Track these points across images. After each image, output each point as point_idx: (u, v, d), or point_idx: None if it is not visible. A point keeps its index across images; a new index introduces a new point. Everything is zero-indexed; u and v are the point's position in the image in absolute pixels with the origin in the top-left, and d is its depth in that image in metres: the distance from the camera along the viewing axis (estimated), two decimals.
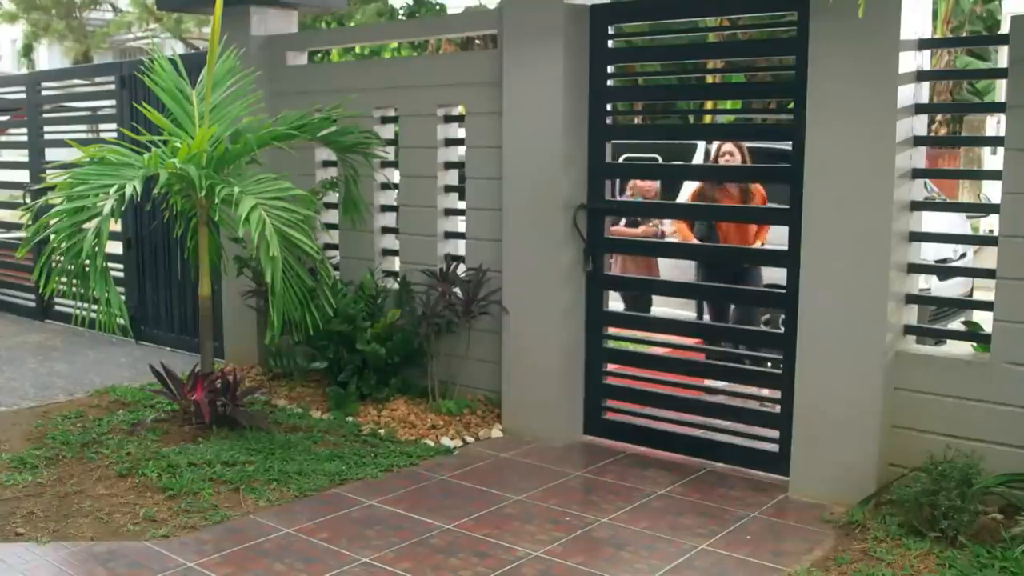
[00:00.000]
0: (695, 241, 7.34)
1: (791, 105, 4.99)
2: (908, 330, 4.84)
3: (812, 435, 4.89)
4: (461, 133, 6.52)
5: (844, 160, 4.67)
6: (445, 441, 5.81)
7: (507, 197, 5.95)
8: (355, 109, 6.51)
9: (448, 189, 6.58)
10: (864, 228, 4.64)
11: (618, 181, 6.82)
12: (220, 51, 6.02)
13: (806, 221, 4.84)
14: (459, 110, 6.57)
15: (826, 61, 4.68)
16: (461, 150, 6.55)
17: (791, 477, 5.01)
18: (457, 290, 6.18)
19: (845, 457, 4.78)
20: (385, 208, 6.95)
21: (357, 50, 16.61)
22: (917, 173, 4.80)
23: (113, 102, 8.87)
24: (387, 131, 6.88)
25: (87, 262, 5.18)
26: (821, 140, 4.75)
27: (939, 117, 17.94)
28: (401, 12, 19.73)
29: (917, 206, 4.82)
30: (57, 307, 9.51)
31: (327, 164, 7.16)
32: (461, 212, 6.53)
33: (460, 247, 6.55)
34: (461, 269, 6.35)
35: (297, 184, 5.90)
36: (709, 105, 7.69)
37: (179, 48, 20.37)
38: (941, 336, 5.31)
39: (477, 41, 17.18)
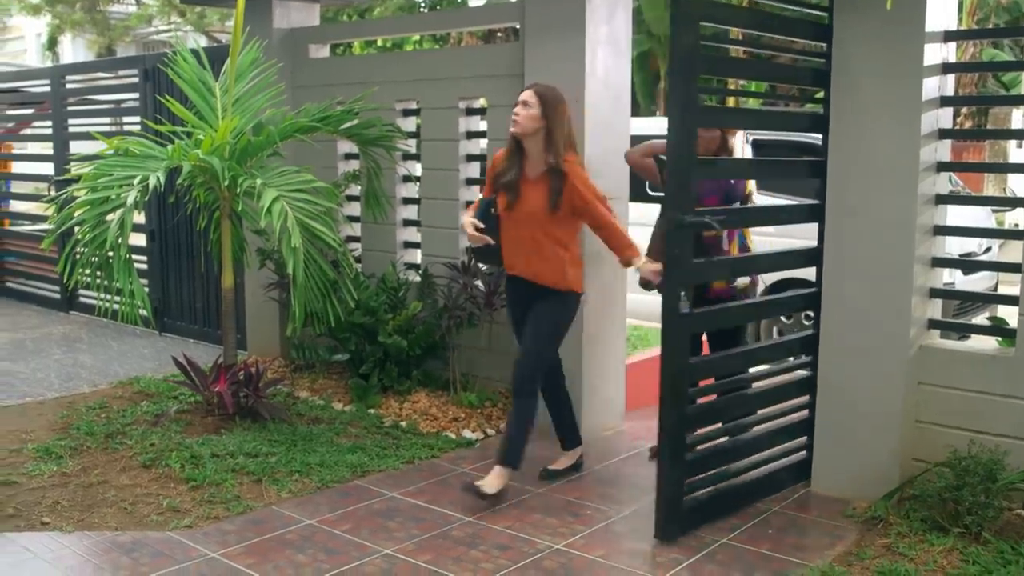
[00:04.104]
0: None
1: (820, 95, 4.92)
2: (932, 324, 4.80)
3: (835, 429, 4.87)
4: (483, 126, 6.51)
5: (868, 153, 4.64)
6: (466, 434, 5.81)
7: None
8: (377, 102, 6.52)
9: (470, 182, 6.58)
10: (888, 221, 4.61)
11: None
12: (243, 44, 6.03)
13: (829, 215, 4.81)
14: (481, 103, 6.57)
15: (851, 53, 4.64)
16: (483, 143, 6.55)
17: (813, 471, 4.98)
18: (479, 283, 6.18)
19: (868, 452, 4.76)
20: (407, 201, 6.96)
21: (379, 43, 16.67)
22: (942, 166, 4.75)
23: (137, 95, 8.92)
24: (409, 124, 6.89)
25: (111, 253, 5.21)
26: (845, 133, 4.71)
27: (964, 110, 17.82)
28: (423, 5, 19.73)
29: (942, 199, 4.78)
30: (81, 299, 9.58)
31: (349, 157, 7.18)
32: None
33: None
34: None
35: (319, 176, 5.91)
36: (732, 92, 7.61)
37: (202, 41, 20.46)
38: (965, 331, 5.27)
39: (499, 34, 17.16)
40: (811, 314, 5.07)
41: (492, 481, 4.77)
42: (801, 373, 5.08)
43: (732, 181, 5.14)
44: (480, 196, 6.55)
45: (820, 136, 4.87)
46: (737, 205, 5.12)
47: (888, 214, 4.61)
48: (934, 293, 4.80)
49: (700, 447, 4.58)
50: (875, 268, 4.67)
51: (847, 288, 4.77)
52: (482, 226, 4.91)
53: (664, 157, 5.14)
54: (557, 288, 4.88)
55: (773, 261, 5.34)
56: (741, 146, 8.23)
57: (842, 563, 4.07)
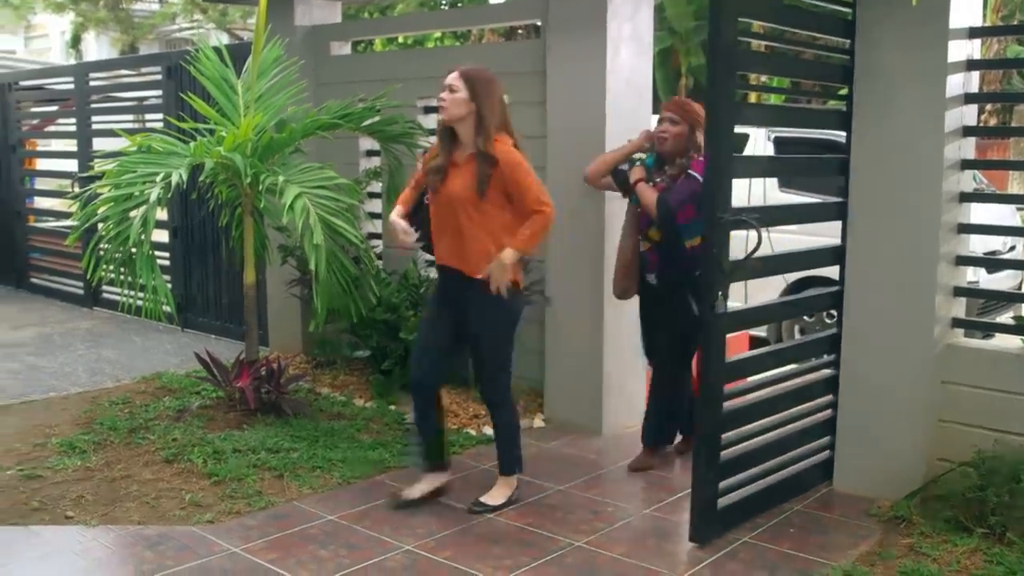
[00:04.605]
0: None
1: (843, 92, 4.89)
2: (956, 323, 4.77)
3: (858, 429, 4.84)
4: None
5: (892, 150, 4.61)
6: (487, 430, 5.81)
7: (550, 187, 5.91)
8: (399, 99, 6.52)
9: None
10: (912, 220, 4.58)
11: None
12: (265, 41, 6.05)
13: (852, 213, 4.78)
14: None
15: (875, 49, 4.61)
16: None
17: (836, 470, 4.96)
18: None
19: (891, 451, 4.73)
20: None
21: (400, 40, 16.67)
22: (966, 164, 4.72)
23: (160, 92, 8.98)
24: (430, 121, 6.89)
25: (134, 250, 5.24)
26: (869, 130, 4.68)
27: (989, 107, 17.67)
28: (444, 2, 19.74)
29: (966, 197, 4.75)
30: (105, 294, 9.65)
31: (371, 153, 7.19)
32: None
33: None
34: None
35: (341, 173, 5.92)
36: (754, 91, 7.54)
37: (224, 39, 20.52)
38: (990, 329, 5.23)
39: (520, 31, 17.14)
40: (833, 313, 5.04)
41: (498, 493, 4.73)
42: (825, 372, 5.05)
43: (700, 181, 4.87)
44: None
45: (843, 133, 4.85)
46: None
47: (912, 212, 4.58)
48: (958, 292, 4.77)
49: (734, 448, 4.54)
50: (899, 266, 4.64)
51: (871, 286, 4.74)
52: (411, 231, 4.68)
53: (624, 168, 5.15)
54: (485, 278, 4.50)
55: (796, 260, 5.32)
56: (763, 144, 8.24)
57: (865, 563, 4.05)
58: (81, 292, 10.14)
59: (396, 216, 4.73)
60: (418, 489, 4.75)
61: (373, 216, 7.18)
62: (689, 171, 4.92)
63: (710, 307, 4.20)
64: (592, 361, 5.79)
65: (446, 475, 4.86)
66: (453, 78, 4.50)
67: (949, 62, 4.45)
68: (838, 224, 4.90)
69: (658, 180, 5.08)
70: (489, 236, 4.46)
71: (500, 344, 4.61)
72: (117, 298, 5.63)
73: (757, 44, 7.46)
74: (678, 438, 5.50)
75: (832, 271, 5.05)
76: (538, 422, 6.01)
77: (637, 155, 5.25)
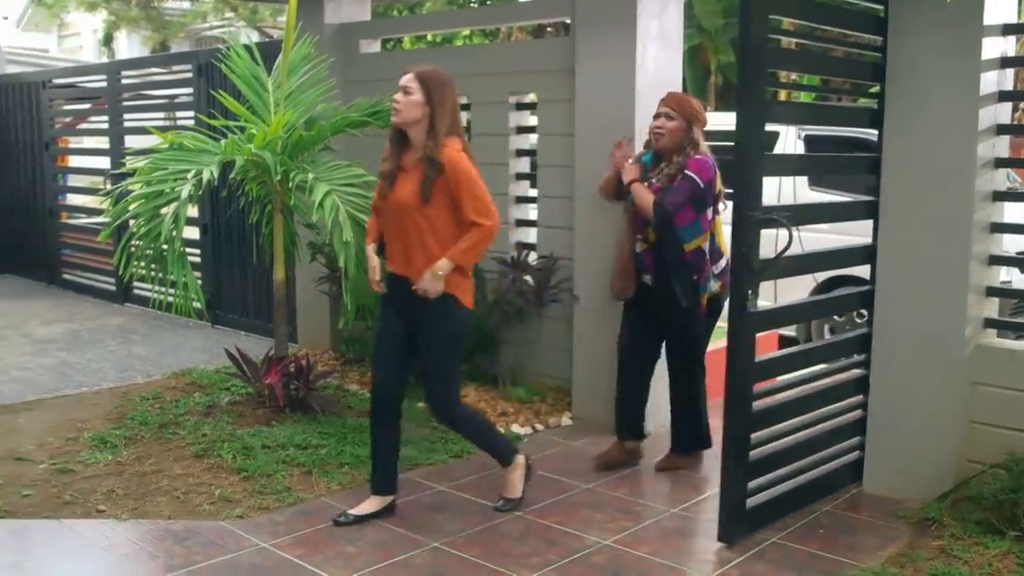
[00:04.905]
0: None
1: (875, 90, 4.85)
2: (988, 323, 4.72)
3: (888, 429, 4.81)
4: (533, 121, 6.51)
5: (924, 149, 4.57)
6: (515, 428, 5.82)
7: (579, 185, 5.94)
8: None
9: (519, 177, 6.58)
10: (944, 219, 4.54)
11: None
12: (295, 39, 6.08)
13: (883, 212, 4.75)
14: (531, 98, 6.56)
15: (907, 46, 4.58)
16: (533, 138, 6.54)
17: (865, 471, 4.92)
18: (528, 278, 6.18)
19: (921, 452, 4.69)
20: None
21: (429, 38, 16.69)
22: (999, 162, 4.67)
23: (190, 90, 9.03)
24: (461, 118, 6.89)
25: (165, 246, 5.28)
26: (900, 128, 4.65)
27: (1023, 105, 17.46)
28: (472, 0, 19.74)
29: (999, 196, 4.70)
30: (136, 291, 9.72)
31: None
32: (532, 200, 6.53)
33: (531, 235, 6.55)
34: (532, 257, 6.35)
35: (370, 171, 5.92)
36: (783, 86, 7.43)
37: (254, 37, 20.62)
38: (1022, 330, 5.17)
39: (549, 28, 17.12)
40: (864, 312, 5.00)
41: (511, 486, 4.66)
42: (855, 372, 5.02)
43: (702, 184, 4.81)
44: (529, 191, 6.57)
45: (875, 131, 4.82)
46: (709, 211, 4.92)
47: (944, 211, 4.54)
48: (990, 292, 4.72)
49: (763, 448, 4.51)
50: (930, 266, 4.60)
51: (901, 286, 4.70)
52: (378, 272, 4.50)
53: (621, 176, 5.06)
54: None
55: (827, 259, 5.29)
56: (793, 142, 8.18)
57: (894, 564, 4.02)
58: (112, 288, 10.23)
59: (371, 251, 4.55)
60: (364, 508, 4.54)
61: None
62: (686, 171, 4.81)
63: (740, 306, 4.17)
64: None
65: (391, 496, 4.61)
66: (408, 79, 4.32)
67: (983, 59, 4.41)
68: (867, 223, 4.87)
69: (654, 180, 4.96)
70: (439, 244, 4.27)
71: (445, 354, 4.41)
72: (148, 294, 5.69)
73: (787, 41, 7.42)
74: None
75: (863, 270, 5.02)
76: (566, 420, 6.01)
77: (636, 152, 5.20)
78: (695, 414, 5.27)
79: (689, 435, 5.30)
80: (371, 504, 4.55)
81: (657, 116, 4.97)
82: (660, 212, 4.81)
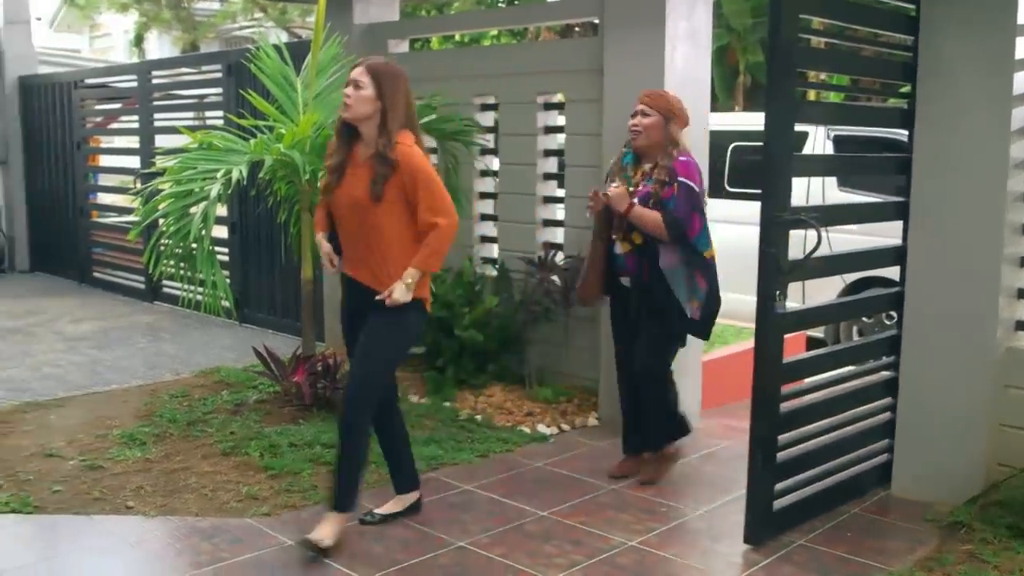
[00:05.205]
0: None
1: (905, 89, 4.81)
2: (1020, 326, 4.67)
3: (917, 432, 4.77)
4: (561, 120, 6.50)
5: (956, 149, 4.52)
6: (541, 428, 5.82)
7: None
8: (455, 96, 6.55)
9: (547, 177, 6.58)
10: (976, 220, 4.50)
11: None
12: (324, 39, 6.10)
13: (914, 213, 4.71)
14: (559, 98, 6.56)
15: (938, 45, 4.54)
16: (561, 138, 6.54)
17: (894, 474, 4.88)
18: (555, 278, 6.18)
19: (950, 455, 4.65)
20: (484, 195, 6.99)
21: (457, 38, 16.71)
22: None
23: (220, 90, 9.09)
24: (487, 118, 6.91)
25: (194, 245, 5.32)
26: (931, 128, 4.61)
27: None
28: (501, 0, 19.75)
29: None
30: (165, 289, 9.79)
31: (428, 151, 7.20)
32: (560, 200, 6.52)
33: (559, 235, 6.54)
34: (559, 257, 6.34)
35: None
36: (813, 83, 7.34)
37: (283, 37, 20.72)
38: None
39: (576, 28, 17.10)
40: (892, 314, 4.97)
41: (326, 530, 4.10)
42: (883, 374, 4.98)
43: (697, 188, 4.72)
44: (556, 191, 6.56)
45: (905, 131, 4.78)
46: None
47: (976, 212, 4.50)
48: (1022, 294, 4.67)
49: (790, 450, 4.48)
50: (961, 267, 4.56)
51: (932, 288, 4.66)
52: (334, 256, 4.29)
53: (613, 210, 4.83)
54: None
55: (856, 260, 5.26)
56: (823, 142, 8.13)
57: (923, 568, 3.99)
58: (142, 287, 10.31)
59: (321, 238, 4.34)
60: (389, 507, 4.47)
61: None
62: (680, 179, 4.69)
63: (766, 308, 4.14)
64: None
65: (416, 493, 4.55)
66: (359, 73, 4.06)
67: (1017, 58, 4.36)
68: (895, 224, 4.83)
69: (639, 185, 4.82)
70: (398, 244, 4.05)
71: (375, 351, 4.13)
72: (177, 293, 5.73)
73: (816, 41, 7.36)
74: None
75: (892, 271, 4.98)
76: (592, 421, 6.00)
77: (624, 148, 5.03)
78: (663, 411, 5.06)
79: (660, 431, 5.10)
80: (396, 504, 4.53)
81: (634, 114, 4.86)
82: (676, 226, 4.68)
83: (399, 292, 4.02)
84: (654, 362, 4.93)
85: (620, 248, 4.91)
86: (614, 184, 4.83)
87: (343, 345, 4.47)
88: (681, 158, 4.74)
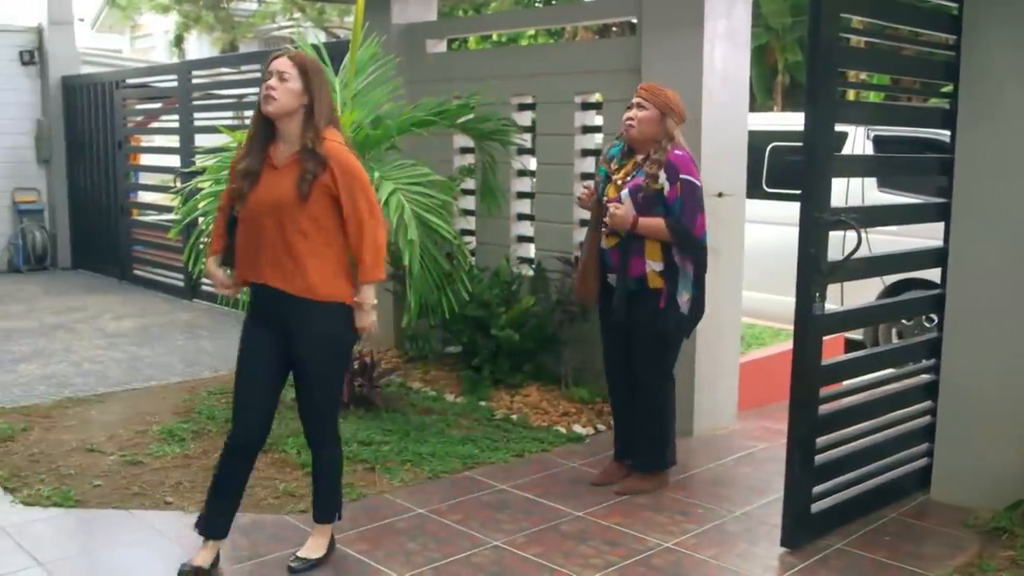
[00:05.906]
0: None
1: (947, 89, 4.75)
2: None
3: (957, 436, 4.71)
4: (598, 120, 6.49)
5: (999, 149, 4.47)
6: (577, 428, 5.81)
7: None
8: (493, 96, 6.55)
9: (584, 177, 6.56)
10: (1019, 220, 4.44)
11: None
12: (362, 39, 6.13)
13: (955, 214, 4.66)
14: (596, 97, 6.54)
15: (981, 44, 4.48)
16: (598, 138, 6.52)
17: (933, 478, 4.83)
18: None
19: (992, 459, 4.59)
20: (521, 195, 6.99)
21: (494, 37, 16.73)
22: None
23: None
24: (524, 118, 6.91)
25: None
26: (974, 128, 4.55)
27: None
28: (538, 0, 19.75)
29: None
30: (204, 287, 9.86)
31: (465, 151, 7.23)
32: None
33: None
34: None
35: (435, 170, 5.96)
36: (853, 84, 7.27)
37: (322, 37, 20.84)
38: None
39: (614, 28, 17.07)
40: (933, 316, 4.92)
41: (315, 547, 4.05)
42: (923, 377, 4.93)
43: (698, 183, 4.64)
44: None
45: (947, 132, 4.73)
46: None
47: (1018, 213, 4.44)
48: None
49: (829, 452, 4.44)
50: (1003, 269, 4.50)
51: (973, 289, 4.61)
52: (228, 282, 4.04)
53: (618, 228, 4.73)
54: (316, 297, 3.77)
55: (896, 261, 5.20)
56: (863, 143, 8.05)
57: (962, 574, 3.95)
58: (181, 284, 10.40)
59: (213, 266, 4.05)
60: (205, 557, 3.95)
61: (466, 213, 7.22)
62: (682, 176, 4.60)
63: (805, 309, 4.11)
64: (684, 361, 5.72)
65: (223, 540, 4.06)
66: (284, 64, 3.80)
67: None
68: (934, 225, 4.78)
69: (628, 177, 4.74)
70: (327, 247, 3.79)
71: (332, 373, 4.00)
72: (215, 291, 5.75)
73: (856, 40, 7.30)
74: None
75: (932, 273, 4.93)
76: None
77: (614, 143, 4.96)
78: (659, 427, 4.94)
79: (653, 453, 4.97)
80: (212, 551, 3.99)
81: (629, 107, 4.77)
82: (682, 232, 4.60)
83: (367, 317, 3.89)
84: (649, 373, 4.88)
85: (605, 242, 4.82)
86: (613, 209, 4.69)
87: (380, 343, 4.46)
88: (676, 151, 4.66)
